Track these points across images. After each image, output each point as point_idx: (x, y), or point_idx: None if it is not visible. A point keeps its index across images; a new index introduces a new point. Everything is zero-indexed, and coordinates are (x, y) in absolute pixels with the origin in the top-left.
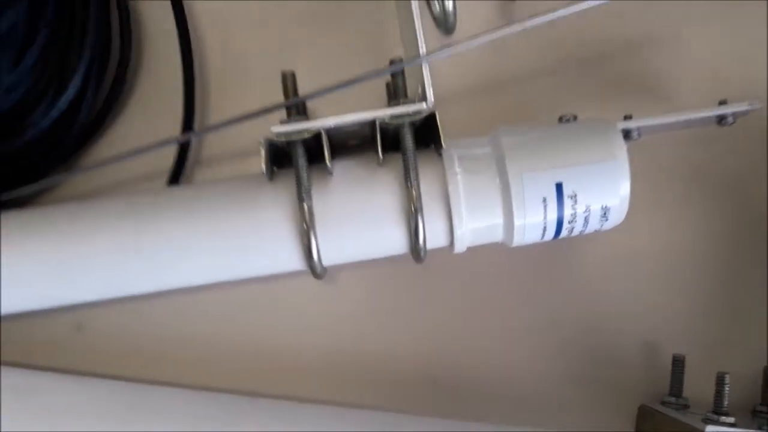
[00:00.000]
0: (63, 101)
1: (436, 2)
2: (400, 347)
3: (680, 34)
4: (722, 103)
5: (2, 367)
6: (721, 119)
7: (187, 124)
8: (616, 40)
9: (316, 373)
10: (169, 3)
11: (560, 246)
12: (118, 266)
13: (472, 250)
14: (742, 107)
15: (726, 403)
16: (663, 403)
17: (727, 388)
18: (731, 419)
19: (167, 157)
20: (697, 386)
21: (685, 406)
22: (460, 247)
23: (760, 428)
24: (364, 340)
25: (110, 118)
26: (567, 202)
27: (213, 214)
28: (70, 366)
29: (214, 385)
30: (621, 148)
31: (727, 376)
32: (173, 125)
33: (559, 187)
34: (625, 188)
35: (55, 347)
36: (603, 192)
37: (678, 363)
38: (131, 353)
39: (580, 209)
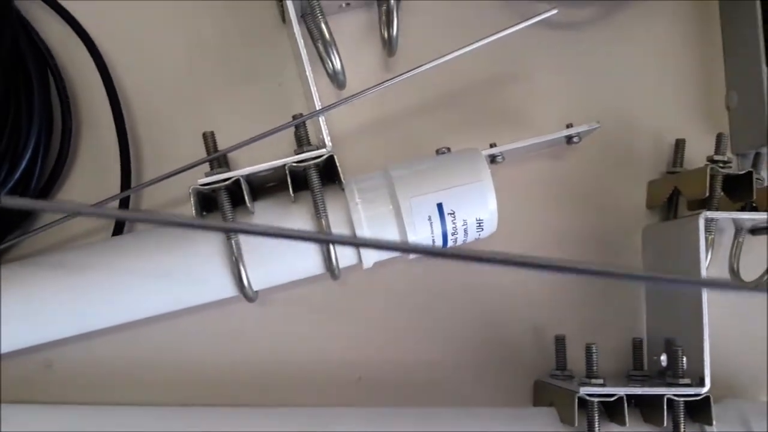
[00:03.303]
0: (18, 173)
1: (328, 64)
2: (328, 354)
3: (531, 71)
4: (569, 126)
5: None
6: (569, 139)
7: (125, 182)
8: (480, 81)
9: (260, 382)
10: (102, 87)
11: None
12: (80, 308)
13: (379, 265)
14: (583, 128)
15: (595, 368)
16: (552, 376)
17: (595, 356)
18: (600, 380)
19: None
20: (581, 360)
21: (570, 377)
22: (367, 263)
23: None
24: (298, 351)
25: (58, 185)
26: (448, 219)
27: (156, 256)
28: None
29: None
30: (485, 171)
31: (594, 345)
32: (114, 185)
33: (440, 207)
34: (492, 203)
35: (26, 385)
36: (475, 208)
37: (560, 341)
38: (99, 385)
39: (459, 223)
